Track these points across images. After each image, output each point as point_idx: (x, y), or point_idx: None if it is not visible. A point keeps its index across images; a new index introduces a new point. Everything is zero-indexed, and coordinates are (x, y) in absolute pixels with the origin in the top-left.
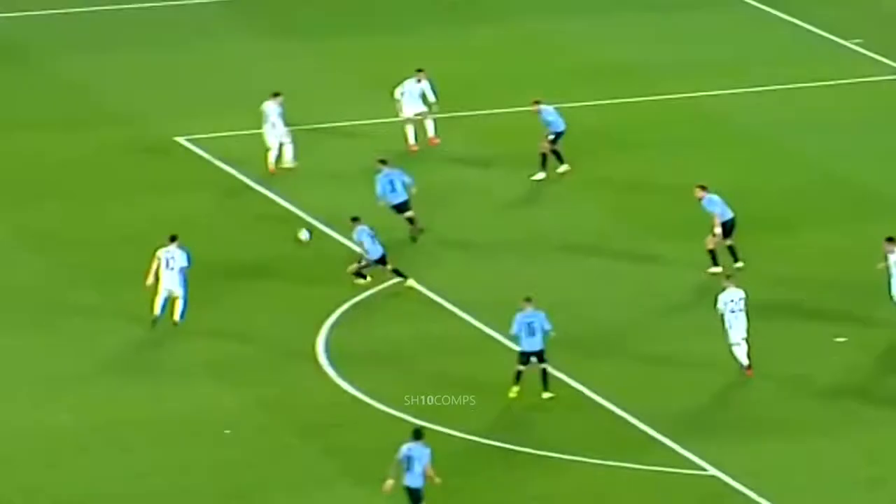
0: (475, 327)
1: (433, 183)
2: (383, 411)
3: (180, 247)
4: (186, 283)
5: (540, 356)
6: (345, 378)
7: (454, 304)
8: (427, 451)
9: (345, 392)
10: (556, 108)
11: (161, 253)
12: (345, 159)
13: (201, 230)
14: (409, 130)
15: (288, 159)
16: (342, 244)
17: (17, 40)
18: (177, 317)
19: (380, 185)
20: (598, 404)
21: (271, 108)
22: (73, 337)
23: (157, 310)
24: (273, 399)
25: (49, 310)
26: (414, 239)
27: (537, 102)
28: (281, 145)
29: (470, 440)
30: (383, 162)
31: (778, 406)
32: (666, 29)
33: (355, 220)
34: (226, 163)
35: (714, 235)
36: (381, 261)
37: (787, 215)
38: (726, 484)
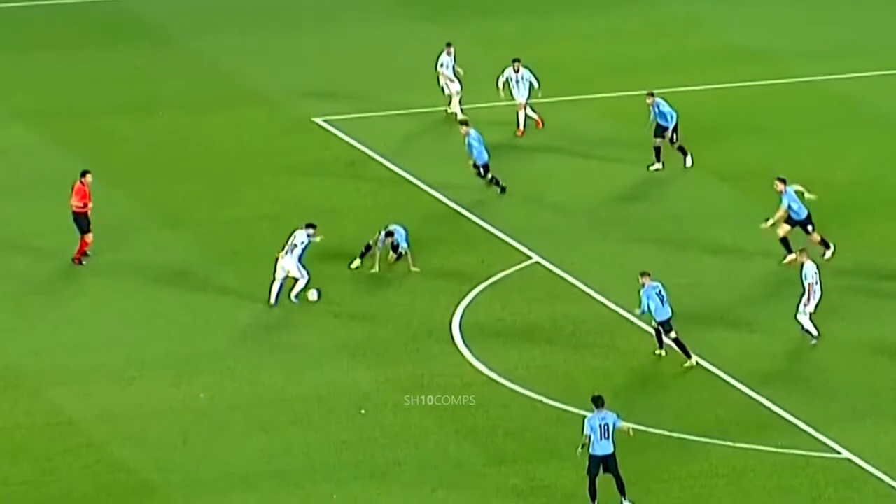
0: (610, 309)
1: (567, 165)
2: (517, 392)
3: (310, 235)
4: (303, 264)
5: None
6: (479, 359)
7: (589, 286)
8: (616, 415)
9: (479, 372)
10: (665, 100)
11: (296, 234)
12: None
13: (336, 211)
14: (520, 116)
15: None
16: (477, 224)
17: (158, 20)
18: (293, 296)
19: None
20: (731, 386)
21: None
22: (210, 316)
23: (273, 297)
24: (408, 379)
25: (187, 289)
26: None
27: (651, 95)
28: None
29: None
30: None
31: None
32: (795, 12)
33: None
34: (362, 143)
35: (773, 223)
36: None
37: None
38: (860, 467)
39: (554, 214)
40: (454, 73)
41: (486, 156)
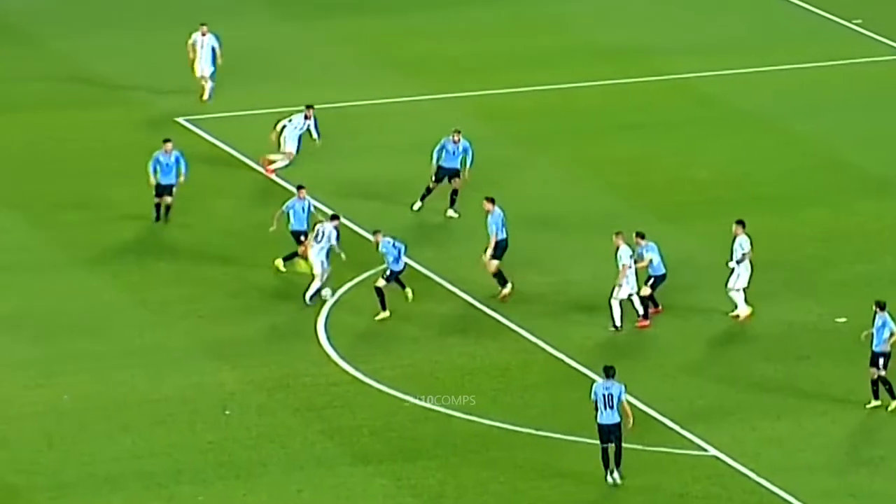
0: (477, 308)
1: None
2: (383, 391)
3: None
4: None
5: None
6: (345, 358)
7: (456, 285)
8: (622, 387)
9: (345, 372)
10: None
11: (321, 227)
12: (350, 139)
13: (202, 211)
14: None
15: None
16: (343, 223)
17: (17, 21)
18: (307, 298)
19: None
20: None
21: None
22: (74, 316)
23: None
24: (273, 379)
25: (53, 290)
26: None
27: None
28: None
29: (469, 420)
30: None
31: (777, 387)
32: (664, 11)
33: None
34: (226, 143)
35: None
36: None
37: (785, 196)
38: (727, 464)
39: (421, 213)
40: (298, 139)
41: None
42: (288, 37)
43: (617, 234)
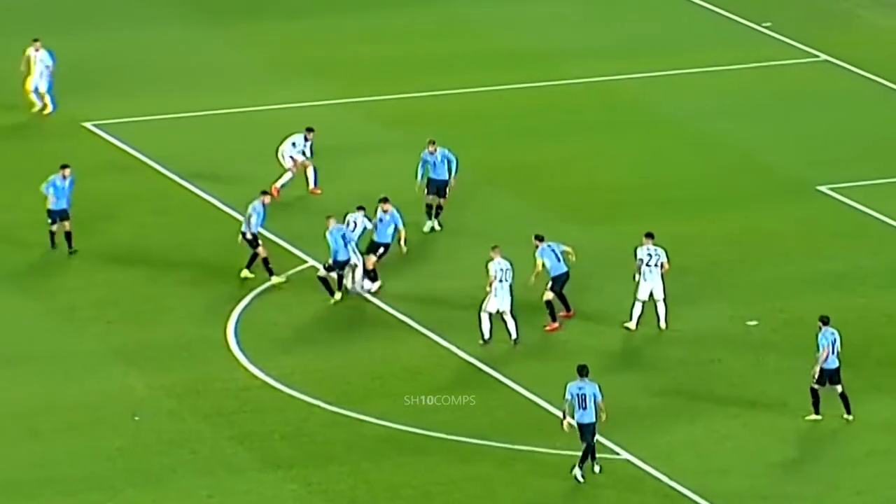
0: (386, 311)
1: (335, 168)
2: (294, 396)
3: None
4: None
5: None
6: (255, 363)
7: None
8: (597, 386)
9: (255, 377)
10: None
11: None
12: (253, 144)
13: (111, 217)
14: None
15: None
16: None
17: None
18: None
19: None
20: (507, 387)
21: None
22: None
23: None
24: (183, 385)
25: None
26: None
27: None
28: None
29: (380, 425)
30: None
31: (690, 390)
32: (572, 14)
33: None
34: (134, 148)
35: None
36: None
37: (695, 199)
38: (639, 468)
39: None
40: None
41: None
42: (191, 41)
43: (494, 247)
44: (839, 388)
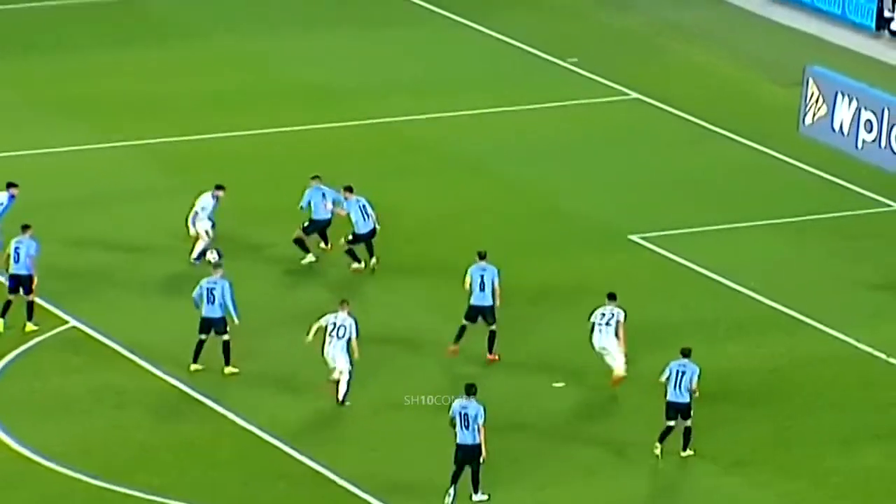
0: (157, 377)
1: (107, 217)
2: (54, 469)
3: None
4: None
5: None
6: (10, 433)
7: (134, 351)
8: (481, 408)
9: (10, 448)
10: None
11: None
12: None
13: None
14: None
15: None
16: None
17: None
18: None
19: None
20: (293, 458)
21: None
22: None
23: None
24: None
25: None
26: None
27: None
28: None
29: (151, 500)
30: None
31: (502, 455)
32: (361, 47)
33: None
34: None
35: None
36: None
37: (502, 248)
38: None
39: (89, 273)
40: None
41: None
42: None
43: (342, 302)
44: (688, 422)
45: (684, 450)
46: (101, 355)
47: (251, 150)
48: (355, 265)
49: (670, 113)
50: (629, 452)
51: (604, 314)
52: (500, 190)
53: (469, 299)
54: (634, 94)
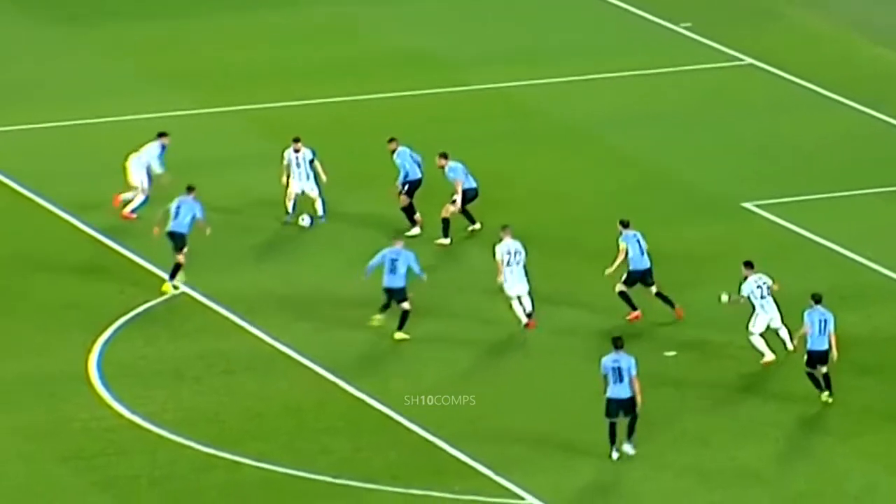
0: (267, 343)
1: (211, 183)
2: (164, 436)
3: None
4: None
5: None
6: (120, 401)
7: (244, 318)
8: (633, 360)
9: (120, 416)
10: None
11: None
12: (117, 156)
13: None
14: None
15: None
16: (115, 251)
17: None
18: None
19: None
20: (401, 425)
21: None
22: None
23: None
24: (39, 425)
25: None
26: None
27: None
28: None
29: (260, 468)
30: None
31: (600, 427)
32: (473, 15)
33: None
34: None
35: (453, 204)
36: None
37: (611, 217)
38: None
39: (199, 239)
40: (308, 173)
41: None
42: (50, 44)
43: (504, 228)
44: (824, 368)
45: (827, 392)
46: (210, 322)
47: (354, 116)
48: (472, 227)
49: (784, 79)
50: (744, 420)
51: (759, 286)
52: (610, 157)
53: (628, 266)
54: (749, 60)
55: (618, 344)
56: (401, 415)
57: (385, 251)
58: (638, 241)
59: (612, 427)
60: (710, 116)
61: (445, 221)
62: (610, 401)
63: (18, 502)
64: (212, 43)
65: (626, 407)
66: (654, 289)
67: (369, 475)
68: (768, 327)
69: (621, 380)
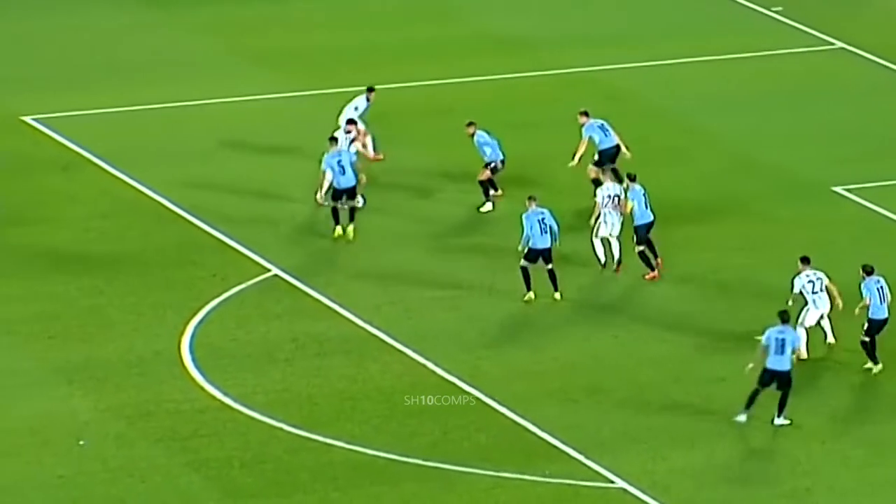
0: (358, 326)
1: (310, 167)
2: (255, 419)
3: None
4: None
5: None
6: (213, 382)
7: (335, 301)
8: (797, 334)
9: (213, 398)
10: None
11: None
12: (209, 138)
13: (50, 220)
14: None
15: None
16: (208, 233)
17: None
18: None
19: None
20: (491, 408)
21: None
22: None
23: None
24: (132, 406)
25: None
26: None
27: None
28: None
29: (351, 450)
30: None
31: (690, 412)
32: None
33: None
34: (78, 144)
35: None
36: None
37: (702, 201)
38: (635, 497)
39: (291, 222)
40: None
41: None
42: (142, 26)
43: (603, 171)
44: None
45: (880, 365)
46: (302, 303)
47: (450, 98)
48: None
49: (876, 63)
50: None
51: (812, 281)
52: (701, 141)
53: (634, 221)
54: (840, 44)
55: (784, 318)
56: (491, 398)
57: (529, 214)
58: (644, 196)
59: (757, 394)
60: (800, 100)
61: (595, 182)
62: (767, 370)
63: (112, 483)
64: (303, 25)
65: (782, 380)
66: (639, 248)
67: (459, 458)
68: (818, 324)
69: (783, 352)
